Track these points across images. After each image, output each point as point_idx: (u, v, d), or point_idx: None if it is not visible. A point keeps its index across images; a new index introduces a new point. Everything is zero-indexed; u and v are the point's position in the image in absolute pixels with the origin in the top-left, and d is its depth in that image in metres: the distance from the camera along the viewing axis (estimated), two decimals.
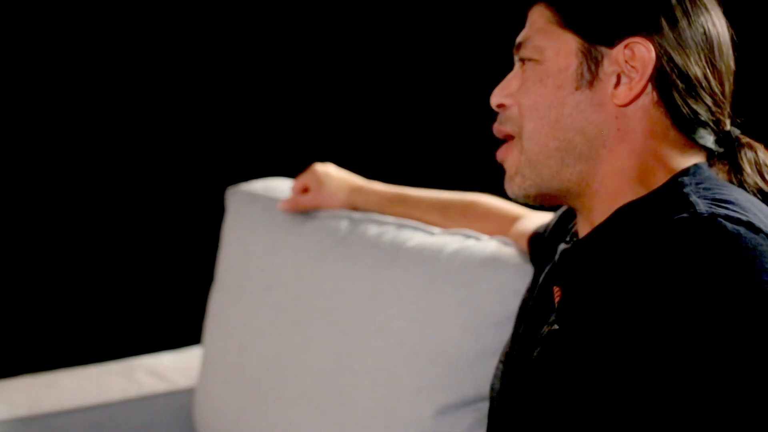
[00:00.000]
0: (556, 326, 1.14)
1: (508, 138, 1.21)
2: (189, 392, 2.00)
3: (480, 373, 1.47)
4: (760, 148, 1.18)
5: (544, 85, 1.16)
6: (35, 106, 2.82)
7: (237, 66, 2.85)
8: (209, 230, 2.19)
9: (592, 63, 1.14)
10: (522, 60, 1.19)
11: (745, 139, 1.18)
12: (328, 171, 1.77)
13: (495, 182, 1.27)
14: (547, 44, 1.16)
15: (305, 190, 1.78)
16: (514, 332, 1.29)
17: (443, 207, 1.66)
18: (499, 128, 1.21)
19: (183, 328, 2.40)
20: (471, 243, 1.55)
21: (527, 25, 1.20)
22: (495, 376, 1.30)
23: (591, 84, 1.14)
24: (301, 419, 1.63)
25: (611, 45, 1.14)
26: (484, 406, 1.48)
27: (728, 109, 1.17)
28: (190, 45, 2.84)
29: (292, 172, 1.88)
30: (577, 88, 1.15)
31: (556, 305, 1.18)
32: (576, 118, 1.14)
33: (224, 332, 1.82)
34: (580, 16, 1.15)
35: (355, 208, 1.75)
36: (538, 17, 1.18)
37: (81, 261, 2.90)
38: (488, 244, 1.54)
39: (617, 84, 1.13)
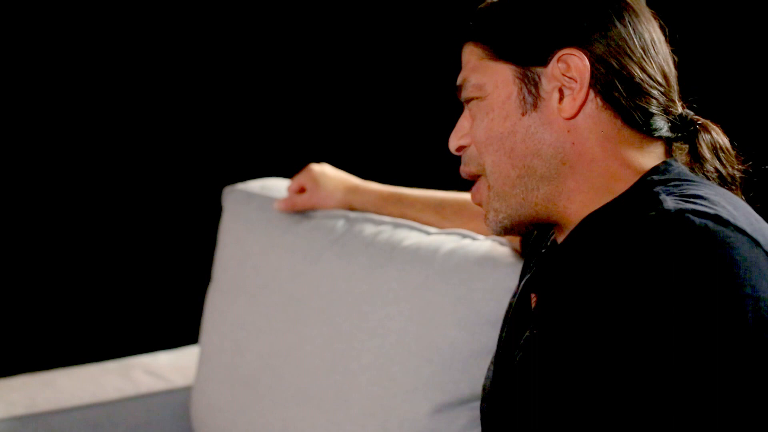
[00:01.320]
0: (534, 331, 1.15)
1: (474, 178, 1.22)
2: (186, 391, 2.00)
3: (475, 372, 1.48)
4: (715, 129, 1.19)
5: (491, 119, 1.17)
6: (31, 107, 2.82)
7: (233, 66, 2.85)
8: (206, 230, 2.19)
9: (531, 85, 1.15)
10: (466, 100, 1.21)
11: (700, 121, 1.18)
12: (325, 171, 1.77)
13: None
14: (484, 80, 1.18)
15: (301, 190, 1.78)
16: (500, 335, 1.30)
17: (439, 206, 1.66)
18: (464, 169, 1.23)
19: (180, 327, 2.40)
20: (467, 242, 1.55)
21: (462, 66, 1.22)
22: (486, 377, 1.30)
23: (535, 106, 1.15)
24: (298, 418, 1.63)
25: (544, 63, 1.15)
26: (479, 405, 1.48)
27: (677, 94, 1.18)
28: (185, 45, 2.84)
29: (288, 171, 1.89)
30: (523, 114, 1.15)
31: (533, 310, 1.19)
32: (529, 142, 1.15)
33: (221, 331, 1.82)
34: (508, 44, 1.16)
35: (351, 208, 1.75)
36: (470, 56, 1.20)
37: (78, 260, 2.90)
38: (484, 244, 1.54)
39: (561, 99, 1.14)
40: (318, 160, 1.83)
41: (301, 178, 1.78)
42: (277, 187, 1.86)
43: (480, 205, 1.23)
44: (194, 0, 2.82)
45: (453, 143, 1.23)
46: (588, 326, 1.04)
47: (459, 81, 1.21)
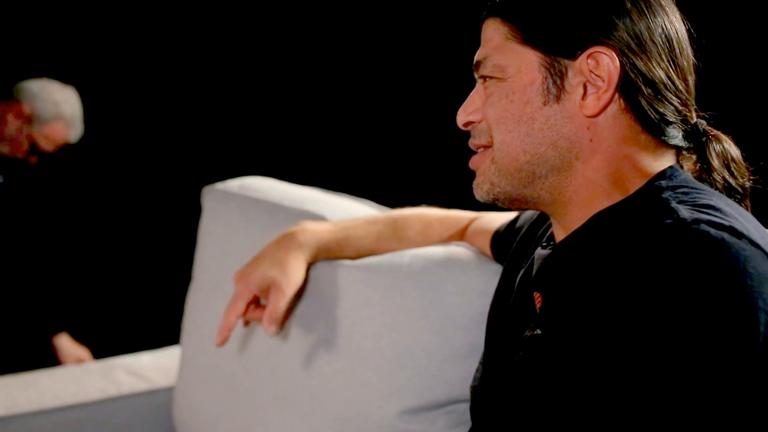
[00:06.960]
0: (538, 331, 1.14)
1: (482, 149, 1.20)
2: (168, 392, 2.01)
3: (450, 376, 1.48)
4: (726, 139, 1.18)
5: (510, 101, 1.15)
6: None
7: (211, 68, 2.85)
8: (187, 230, 2.19)
9: (557, 76, 1.13)
10: (483, 77, 1.18)
11: (712, 132, 1.18)
12: (260, 267, 1.53)
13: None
14: (507, 62, 1.15)
15: (256, 300, 1.54)
16: (491, 335, 1.29)
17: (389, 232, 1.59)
18: (473, 142, 1.21)
19: (162, 328, 2.40)
20: (429, 247, 1.55)
21: (483, 41, 1.19)
22: (475, 378, 1.29)
23: (558, 97, 1.13)
24: (277, 422, 1.62)
25: (574, 57, 1.13)
26: (456, 408, 1.48)
27: (693, 103, 1.17)
28: (165, 46, 2.84)
29: (267, 171, 1.88)
30: (545, 103, 1.14)
31: (538, 311, 1.17)
32: (547, 132, 1.14)
33: (201, 332, 1.82)
34: (539, 31, 1.14)
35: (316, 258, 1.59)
36: (494, 33, 1.17)
37: (60, 262, 2.90)
38: (449, 248, 1.54)
39: (584, 95, 1.13)
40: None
41: (246, 293, 1.52)
42: (256, 186, 1.85)
43: (476, 170, 1.21)
44: (175, 1, 2.82)
45: (462, 118, 1.20)
46: (600, 333, 1.03)
47: (479, 57, 1.18)
